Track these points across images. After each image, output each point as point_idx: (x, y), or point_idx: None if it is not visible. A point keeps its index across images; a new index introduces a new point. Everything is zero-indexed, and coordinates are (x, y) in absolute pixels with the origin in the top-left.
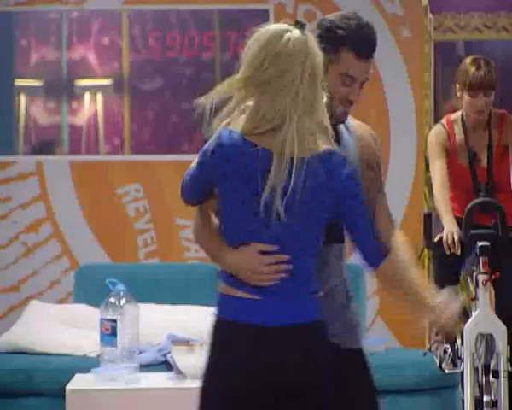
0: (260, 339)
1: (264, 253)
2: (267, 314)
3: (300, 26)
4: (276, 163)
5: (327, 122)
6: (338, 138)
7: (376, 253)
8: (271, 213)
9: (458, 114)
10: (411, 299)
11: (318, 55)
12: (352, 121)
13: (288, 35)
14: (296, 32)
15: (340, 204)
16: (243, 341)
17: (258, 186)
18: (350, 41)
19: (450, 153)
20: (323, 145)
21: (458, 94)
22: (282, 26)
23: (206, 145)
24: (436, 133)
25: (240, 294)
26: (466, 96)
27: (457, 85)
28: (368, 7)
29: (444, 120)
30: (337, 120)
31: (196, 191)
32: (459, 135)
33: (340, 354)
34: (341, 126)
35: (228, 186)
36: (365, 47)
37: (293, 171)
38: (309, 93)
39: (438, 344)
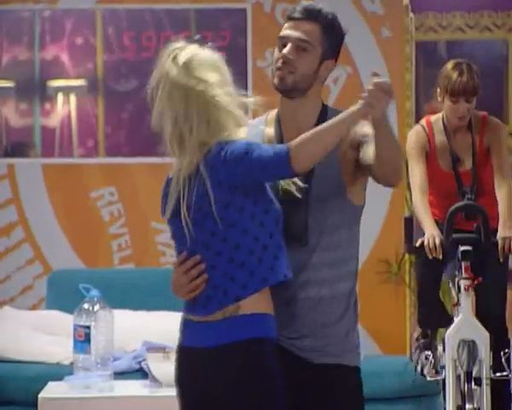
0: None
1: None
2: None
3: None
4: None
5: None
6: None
7: (279, 161)
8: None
9: (439, 116)
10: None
11: (171, 69)
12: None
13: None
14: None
15: (232, 183)
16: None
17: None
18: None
19: (429, 156)
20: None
21: (439, 98)
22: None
23: None
24: (416, 134)
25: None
26: (447, 102)
27: (438, 90)
28: (347, 6)
29: (424, 121)
30: (277, 88)
31: None
32: (440, 138)
33: (312, 370)
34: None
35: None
36: (295, 11)
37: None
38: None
39: (419, 351)
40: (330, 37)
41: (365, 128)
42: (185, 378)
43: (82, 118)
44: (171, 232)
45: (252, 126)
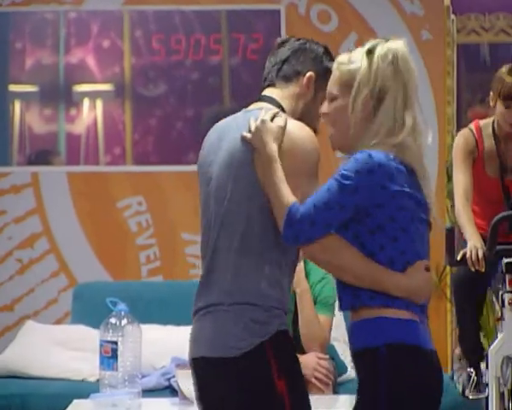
0: None
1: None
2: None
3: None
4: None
5: None
6: None
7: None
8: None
9: (489, 121)
10: None
11: None
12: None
13: None
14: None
15: None
16: None
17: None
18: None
19: (477, 162)
20: None
21: (492, 103)
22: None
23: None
24: (464, 138)
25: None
26: (499, 107)
27: (491, 94)
28: (385, 6)
29: (472, 125)
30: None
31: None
32: (488, 143)
33: None
34: None
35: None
36: None
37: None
38: None
39: (461, 371)
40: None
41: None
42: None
43: (108, 124)
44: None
45: None
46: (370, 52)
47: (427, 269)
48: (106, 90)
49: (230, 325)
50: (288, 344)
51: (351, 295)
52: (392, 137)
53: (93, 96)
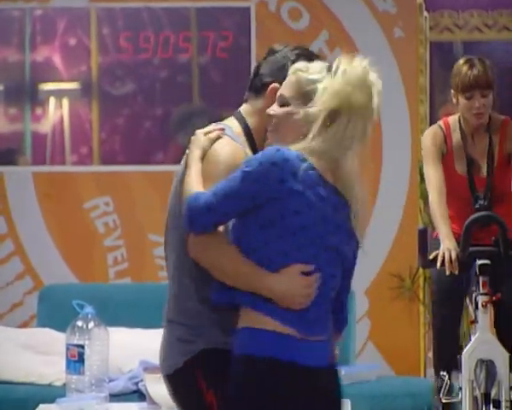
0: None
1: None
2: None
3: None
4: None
5: None
6: None
7: None
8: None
9: (456, 117)
10: None
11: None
12: None
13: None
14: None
15: None
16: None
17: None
18: None
19: (446, 158)
20: None
21: (454, 100)
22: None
23: None
24: (433, 134)
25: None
26: (461, 100)
27: (452, 91)
28: (358, 4)
29: (441, 122)
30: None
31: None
32: (457, 139)
33: None
34: None
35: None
36: None
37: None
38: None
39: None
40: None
41: None
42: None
43: (75, 123)
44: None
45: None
46: (331, 70)
47: (307, 274)
48: (72, 89)
49: (165, 343)
50: (216, 361)
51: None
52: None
53: (59, 94)
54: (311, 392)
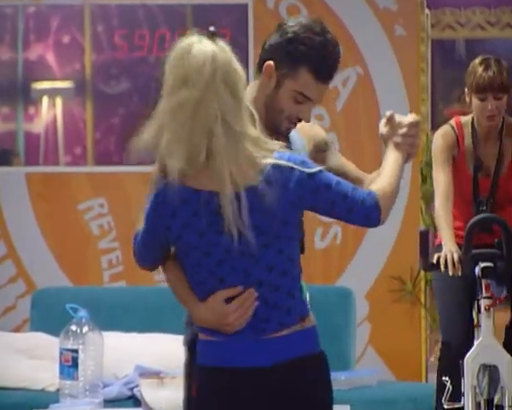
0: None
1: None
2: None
3: (211, 35)
4: (225, 203)
5: (256, 132)
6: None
7: (371, 215)
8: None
9: (469, 118)
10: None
11: (232, 68)
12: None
13: (193, 51)
14: (204, 45)
15: (304, 205)
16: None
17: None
18: (311, 61)
19: (458, 159)
20: (264, 161)
21: (467, 99)
22: (188, 40)
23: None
24: (444, 135)
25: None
26: (475, 100)
27: (466, 90)
28: (358, 1)
29: (453, 121)
30: (278, 135)
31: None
32: (469, 140)
33: None
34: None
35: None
36: (326, 70)
37: (243, 204)
38: (230, 111)
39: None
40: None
41: (319, 131)
42: (242, 402)
43: (69, 123)
44: (205, 253)
45: (296, 139)
46: None
47: (235, 295)
48: (66, 88)
49: None
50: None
51: None
52: None
53: (53, 93)
54: (244, 393)
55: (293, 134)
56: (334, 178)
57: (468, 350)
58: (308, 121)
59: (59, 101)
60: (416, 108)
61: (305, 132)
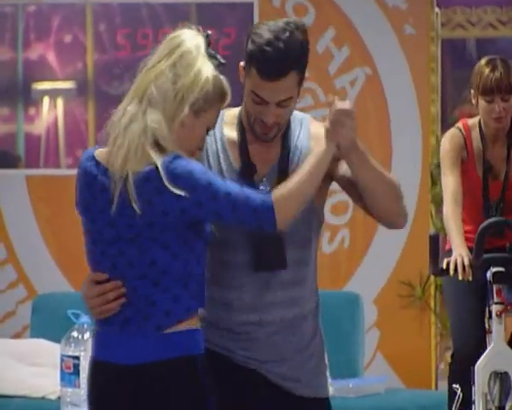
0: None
1: (98, 283)
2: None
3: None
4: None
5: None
6: (287, 146)
7: (264, 216)
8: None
9: (476, 120)
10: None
11: (184, 59)
12: (313, 127)
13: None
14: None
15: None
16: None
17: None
18: (254, 59)
19: (467, 161)
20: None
21: (473, 101)
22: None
23: None
24: (452, 138)
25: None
26: (482, 102)
27: (472, 91)
28: (367, 0)
29: (460, 124)
30: (259, 138)
31: None
32: (477, 143)
33: (290, 402)
34: (299, 135)
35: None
36: (267, 69)
37: (127, 189)
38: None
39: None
40: (305, 67)
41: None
42: (105, 396)
43: (70, 124)
44: (89, 228)
45: (302, 137)
46: None
47: (97, 282)
48: (67, 88)
49: None
50: None
51: None
52: None
53: (54, 94)
54: (108, 389)
55: (303, 132)
56: (215, 181)
57: (479, 357)
58: (270, 123)
59: (60, 102)
60: (426, 109)
61: (318, 135)
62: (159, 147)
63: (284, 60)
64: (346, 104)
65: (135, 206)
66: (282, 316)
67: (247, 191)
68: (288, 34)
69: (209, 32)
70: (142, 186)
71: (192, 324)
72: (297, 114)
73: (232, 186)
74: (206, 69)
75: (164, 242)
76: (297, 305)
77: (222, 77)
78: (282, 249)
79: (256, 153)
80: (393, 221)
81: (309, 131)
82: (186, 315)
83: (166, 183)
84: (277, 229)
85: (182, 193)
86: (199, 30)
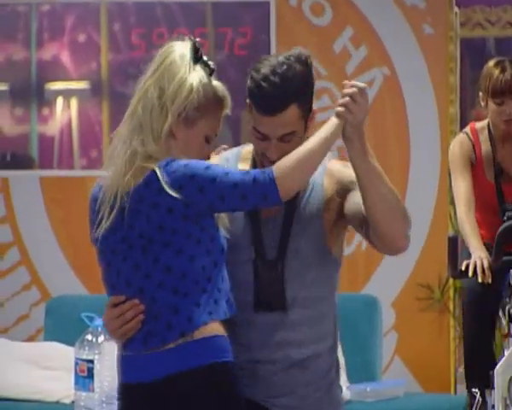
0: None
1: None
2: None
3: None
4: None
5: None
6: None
7: (265, 188)
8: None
9: (485, 122)
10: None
11: (169, 71)
12: (330, 164)
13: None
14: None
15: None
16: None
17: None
18: (252, 95)
19: (476, 166)
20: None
21: (482, 103)
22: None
23: None
24: (460, 143)
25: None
26: (491, 104)
27: (481, 94)
28: None
29: (468, 128)
30: None
31: None
32: (486, 147)
33: None
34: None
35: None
36: (264, 104)
37: (116, 207)
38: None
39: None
40: (308, 99)
41: (351, 171)
42: None
43: (84, 125)
44: (103, 255)
45: (224, 159)
46: None
47: (115, 305)
48: (81, 89)
49: None
50: None
51: None
52: None
53: (68, 94)
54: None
55: (320, 169)
56: (201, 168)
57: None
58: (273, 159)
59: (74, 102)
60: (445, 109)
61: (332, 171)
62: (152, 159)
63: (280, 94)
64: (361, 84)
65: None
66: (292, 355)
67: (251, 173)
68: (285, 68)
69: (197, 39)
70: (144, 192)
71: (214, 330)
72: None
73: (234, 175)
74: (192, 77)
75: (177, 245)
76: (310, 344)
77: (215, 83)
78: (281, 290)
79: None
80: (396, 241)
81: (325, 168)
82: (207, 320)
83: (164, 184)
84: (282, 201)
85: (180, 188)
86: (190, 38)
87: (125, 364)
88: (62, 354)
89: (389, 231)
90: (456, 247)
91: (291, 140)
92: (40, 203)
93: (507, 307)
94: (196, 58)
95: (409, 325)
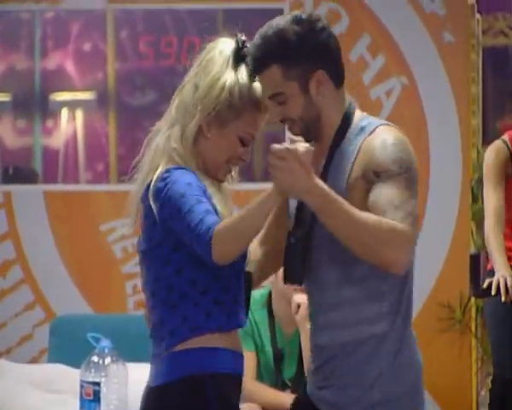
0: None
1: None
2: None
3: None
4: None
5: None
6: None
7: (201, 245)
8: None
9: None
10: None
11: (207, 68)
12: (369, 138)
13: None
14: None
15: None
16: None
17: None
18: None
19: (511, 177)
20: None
21: None
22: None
23: None
24: (496, 151)
25: None
26: None
27: None
28: (403, 5)
29: (506, 136)
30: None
31: None
32: None
33: None
34: (356, 133)
35: None
36: (250, 65)
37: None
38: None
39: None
40: (294, 59)
41: (384, 157)
42: None
43: (90, 137)
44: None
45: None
46: None
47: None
48: (87, 100)
49: None
50: None
51: None
52: None
53: (73, 105)
54: None
55: (355, 143)
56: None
57: None
58: (275, 121)
59: (79, 113)
60: (466, 120)
61: (367, 148)
62: (173, 162)
63: (258, 54)
64: (282, 147)
65: (155, 210)
66: (331, 339)
67: (206, 223)
68: (272, 28)
69: (243, 37)
70: (144, 198)
71: (203, 342)
72: (363, 121)
73: (199, 207)
74: (227, 75)
75: (165, 257)
76: (347, 328)
77: (256, 85)
78: (298, 264)
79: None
80: (389, 268)
81: (361, 143)
82: (192, 334)
83: (150, 196)
84: (215, 262)
85: (157, 204)
86: (236, 35)
87: None
88: (67, 377)
89: (376, 262)
90: (478, 265)
91: (282, 101)
92: (44, 219)
93: None
94: (239, 57)
95: (429, 346)
